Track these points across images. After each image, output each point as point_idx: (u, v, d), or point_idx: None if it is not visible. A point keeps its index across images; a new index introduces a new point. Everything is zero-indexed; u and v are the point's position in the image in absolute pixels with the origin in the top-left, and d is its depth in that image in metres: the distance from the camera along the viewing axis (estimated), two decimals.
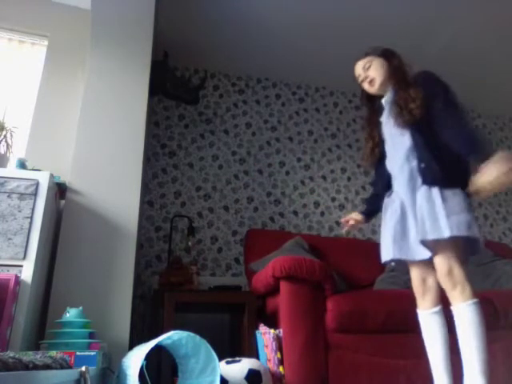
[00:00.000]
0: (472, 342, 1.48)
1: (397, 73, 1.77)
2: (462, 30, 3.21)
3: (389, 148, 1.80)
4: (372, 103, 1.91)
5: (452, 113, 1.62)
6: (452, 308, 1.56)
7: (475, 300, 1.51)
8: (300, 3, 2.94)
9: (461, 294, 1.51)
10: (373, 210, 1.94)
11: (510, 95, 4.05)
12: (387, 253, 1.67)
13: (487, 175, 1.45)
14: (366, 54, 1.85)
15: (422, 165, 1.62)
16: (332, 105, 3.88)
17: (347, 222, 1.96)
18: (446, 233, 1.49)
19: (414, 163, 1.65)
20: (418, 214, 1.58)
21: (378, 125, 1.85)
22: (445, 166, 1.59)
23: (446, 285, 1.55)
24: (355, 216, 1.95)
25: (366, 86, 1.84)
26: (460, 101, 1.66)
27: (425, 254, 1.58)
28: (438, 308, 1.63)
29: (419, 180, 1.63)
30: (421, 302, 1.67)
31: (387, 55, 1.81)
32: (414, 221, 1.61)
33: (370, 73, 1.80)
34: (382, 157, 1.85)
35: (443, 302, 1.62)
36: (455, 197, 1.56)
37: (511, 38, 3.30)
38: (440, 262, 1.56)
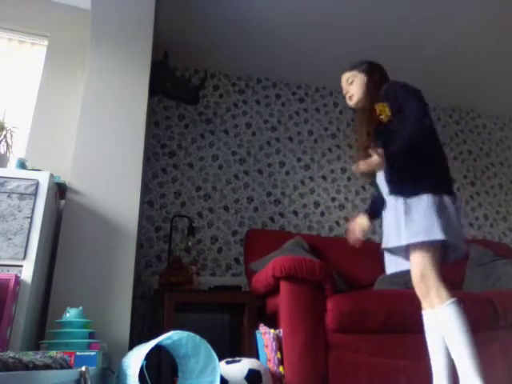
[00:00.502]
0: (457, 340, 1.47)
1: (369, 94, 1.83)
2: (462, 30, 3.20)
3: None
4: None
5: (402, 119, 1.67)
6: (425, 313, 1.60)
7: (452, 300, 1.51)
8: (300, 3, 2.94)
9: (437, 298, 1.53)
10: (377, 210, 1.94)
11: (510, 95, 4.05)
12: (389, 266, 1.79)
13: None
14: (351, 68, 1.92)
15: (387, 177, 1.71)
16: (332, 105, 3.88)
17: (356, 238, 1.95)
18: (403, 241, 1.56)
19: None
20: (386, 224, 1.69)
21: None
22: (405, 175, 1.65)
23: (420, 291, 1.58)
24: (360, 223, 1.94)
25: (347, 99, 1.93)
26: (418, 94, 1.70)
27: (406, 263, 1.66)
28: None
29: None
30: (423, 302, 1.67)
31: (369, 72, 1.87)
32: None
33: (351, 89, 1.89)
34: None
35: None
36: (419, 203, 1.58)
37: (511, 37, 3.30)
38: (412, 269, 1.60)
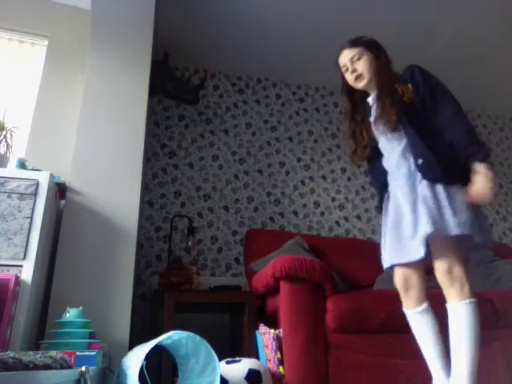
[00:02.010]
0: (464, 341, 1.45)
1: (381, 73, 1.72)
2: (462, 30, 3.21)
3: (383, 146, 1.76)
4: (352, 96, 1.85)
5: (449, 103, 1.61)
6: (448, 306, 1.53)
7: (473, 300, 1.49)
8: (300, 3, 2.94)
9: (459, 292, 1.49)
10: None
11: (510, 95, 4.05)
12: (386, 260, 1.68)
13: (485, 184, 1.51)
14: (354, 44, 1.76)
15: (420, 161, 1.58)
16: (332, 105, 3.88)
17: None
18: (454, 231, 1.46)
19: (411, 160, 1.63)
20: (422, 207, 1.53)
21: (367, 124, 1.80)
22: (444, 162, 1.56)
23: (445, 282, 1.52)
24: None
25: (350, 78, 1.77)
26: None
27: (420, 251, 1.52)
28: (423, 306, 1.60)
29: (418, 177, 1.60)
30: (405, 300, 1.65)
31: (375, 51, 1.75)
32: (412, 215, 1.56)
33: (359, 67, 1.73)
34: (373, 156, 1.81)
35: (438, 300, 1.61)
36: (458, 194, 1.53)
37: (511, 37, 3.30)
38: (441, 259, 1.53)
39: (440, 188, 1.54)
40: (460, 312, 1.49)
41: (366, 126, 1.80)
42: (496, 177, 1.56)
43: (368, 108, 1.81)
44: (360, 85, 1.76)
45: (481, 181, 1.51)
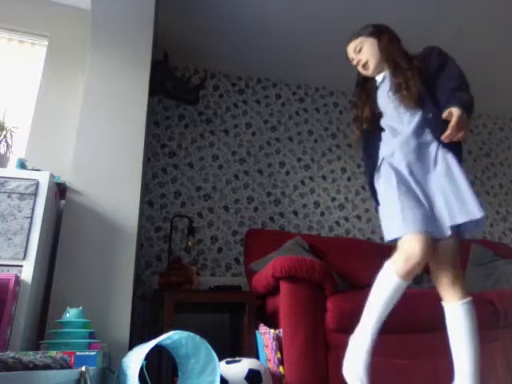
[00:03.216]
0: (465, 341, 1.45)
1: (388, 51, 1.71)
2: (463, 30, 3.20)
3: (390, 123, 1.71)
4: (367, 83, 1.85)
5: (456, 70, 1.64)
6: (446, 306, 1.52)
7: (469, 298, 1.49)
8: (300, 3, 2.94)
9: (462, 290, 1.49)
10: None
11: (510, 95, 4.05)
12: (408, 224, 1.45)
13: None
14: (355, 35, 1.79)
15: (438, 132, 1.53)
16: (332, 105, 3.88)
17: None
18: (481, 211, 1.43)
19: (425, 136, 1.60)
20: (442, 195, 1.49)
21: (371, 102, 1.78)
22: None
23: (449, 278, 1.50)
24: None
25: (360, 69, 1.79)
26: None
27: (448, 230, 1.46)
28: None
29: (430, 154, 1.56)
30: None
31: (377, 34, 1.75)
32: (425, 200, 1.51)
33: (362, 56, 1.75)
34: (371, 134, 1.77)
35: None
36: (465, 172, 1.52)
37: (511, 37, 3.30)
38: (448, 251, 1.50)
39: (454, 163, 1.52)
40: (459, 312, 1.48)
41: (369, 105, 1.78)
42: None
43: (374, 85, 1.80)
44: (369, 72, 1.77)
45: (461, 117, 1.44)
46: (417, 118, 1.63)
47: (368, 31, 1.77)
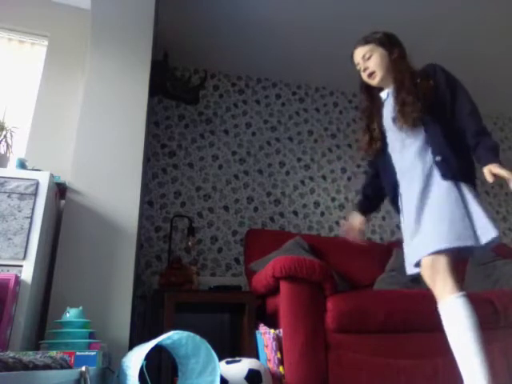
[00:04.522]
0: (464, 337, 1.43)
1: (397, 68, 1.70)
2: (463, 30, 3.20)
3: (395, 144, 1.72)
4: (370, 92, 1.84)
5: (468, 102, 1.59)
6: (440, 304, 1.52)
7: (462, 293, 1.48)
8: (300, 3, 2.94)
9: (451, 289, 1.49)
10: (366, 210, 1.94)
11: (509, 95, 4.05)
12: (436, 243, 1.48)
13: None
14: (366, 41, 1.76)
15: (438, 158, 1.55)
16: (332, 105, 3.88)
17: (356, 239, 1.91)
18: (493, 233, 1.44)
19: (428, 158, 1.59)
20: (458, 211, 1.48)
21: (378, 117, 1.78)
22: (462, 160, 1.55)
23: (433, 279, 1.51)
24: (354, 221, 1.91)
25: (365, 76, 1.77)
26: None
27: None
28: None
29: (436, 176, 1.55)
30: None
31: (388, 46, 1.73)
32: (415, 224, 1.56)
33: (370, 65, 1.73)
34: (380, 152, 1.78)
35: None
36: (476, 194, 1.53)
37: (511, 37, 3.30)
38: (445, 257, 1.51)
39: (465, 189, 1.52)
40: (453, 307, 1.46)
41: (378, 119, 1.78)
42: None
43: (380, 102, 1.80)
44: (374, 82, 1.75)
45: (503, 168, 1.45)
46: (420, 139, 1.63)
47: (380, 40, 1.74)
